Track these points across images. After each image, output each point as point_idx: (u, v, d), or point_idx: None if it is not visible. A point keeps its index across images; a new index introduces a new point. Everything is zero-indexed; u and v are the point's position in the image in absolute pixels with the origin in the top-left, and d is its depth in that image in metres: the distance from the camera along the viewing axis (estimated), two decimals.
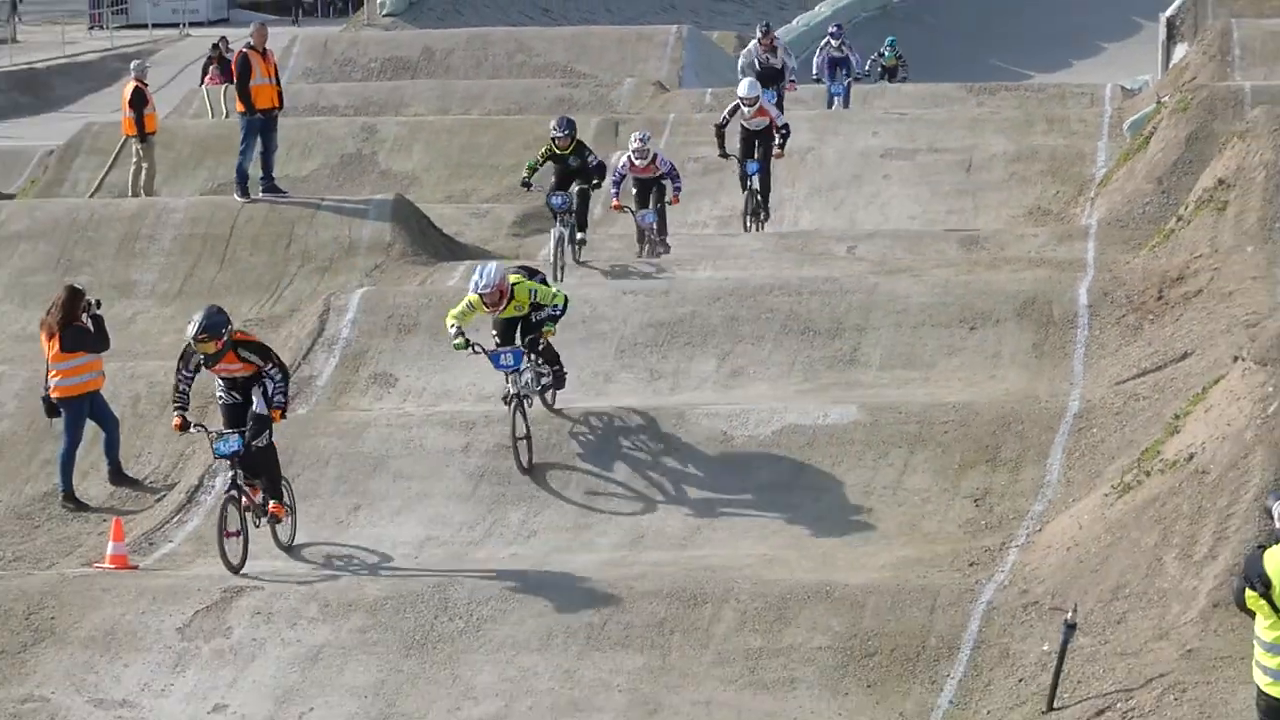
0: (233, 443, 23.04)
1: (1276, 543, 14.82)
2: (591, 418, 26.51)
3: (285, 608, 22.42)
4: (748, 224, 36.51)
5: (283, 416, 23.97)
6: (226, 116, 40.73)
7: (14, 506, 27.29)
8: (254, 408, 23.49)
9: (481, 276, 25.08)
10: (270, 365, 23.58)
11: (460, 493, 25.58)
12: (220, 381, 24.01)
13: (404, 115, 46.59)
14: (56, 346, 27.09)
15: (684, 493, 25.33)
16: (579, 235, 33.88)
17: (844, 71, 44.17)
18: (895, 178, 39.05)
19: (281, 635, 22.05)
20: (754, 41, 38.76)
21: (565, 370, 26.61)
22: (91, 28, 71.44)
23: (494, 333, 25.75)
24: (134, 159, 40.22)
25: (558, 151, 33.93)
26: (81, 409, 27.23)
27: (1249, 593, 14.74)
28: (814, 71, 45.88)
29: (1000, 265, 32.49)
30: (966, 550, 23.54)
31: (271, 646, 21.93)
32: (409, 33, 62.48)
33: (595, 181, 34.33)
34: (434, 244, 35.51)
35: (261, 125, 37.19)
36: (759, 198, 35.46)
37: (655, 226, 34.73)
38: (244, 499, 23.39)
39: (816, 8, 63.66)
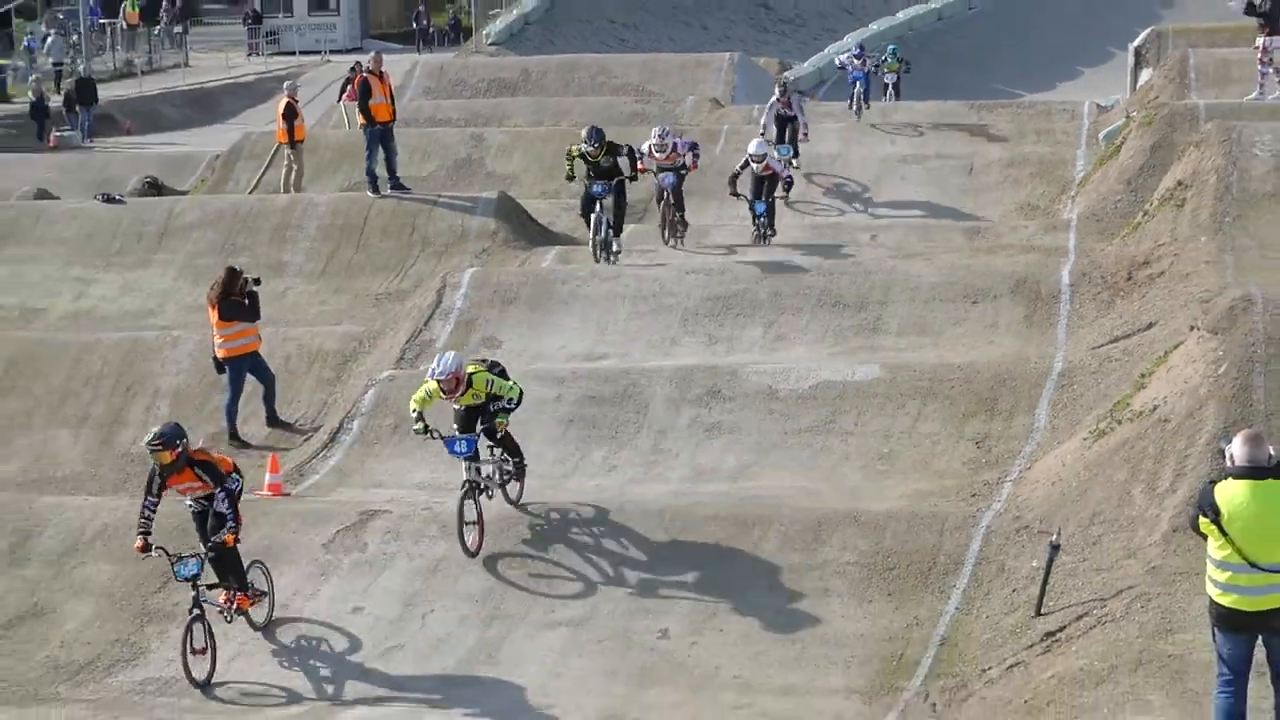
0: (191, 566, 20.19)
1: (1225, 478, 14.86)
2: (663, 373, 26.55)
3: (411, 528, 22.49)
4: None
5: (235, 540, 20.71)
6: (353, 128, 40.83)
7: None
8: (214, 506, 20.66)
9: (439, 364, 21.90)
10: (220, 490, 20.60)
11: (552, 435, 25.59)
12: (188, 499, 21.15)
13: (506, 127, 46.58)
14: (217, 316, 27.29)
15: (737, 436, 25.34)
16: (614, 242, 32.29)
17: (864, 82, 44.57)
18: (910, 179, 39.00)
19: (408, 550, 22.13)
20: (774, 97, 38.18)
21: (525, 462, 23.14)
22: (249, 55, 71.60)
23: (454, 421, 22.46)
24: (286, 162, 40.30)
25: (591, 160, 32.06)
26: (242, 366, 27.40)
27: (1202, 519, 14.79)
28: (836, 62, 46.34)
29: (997, 251, 32.47)
30: (969, 484, 23.56)
31: (400, 560, 22.02)
32: (510, 58, 62.40)
33: (632, 177, 32.66)
34: (531, 232, 35.46)
35: (381, 135, 37.39)
36: (766, 229, 34.36)
37: (675, 198, 33.90)
38: (205, 617, 20.32)
39: (845, 38, 63.17)
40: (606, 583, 21.33)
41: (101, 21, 71.60)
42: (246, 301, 27.44)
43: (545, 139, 42.43)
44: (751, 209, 33.97)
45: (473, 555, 21.71)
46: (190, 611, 20.26)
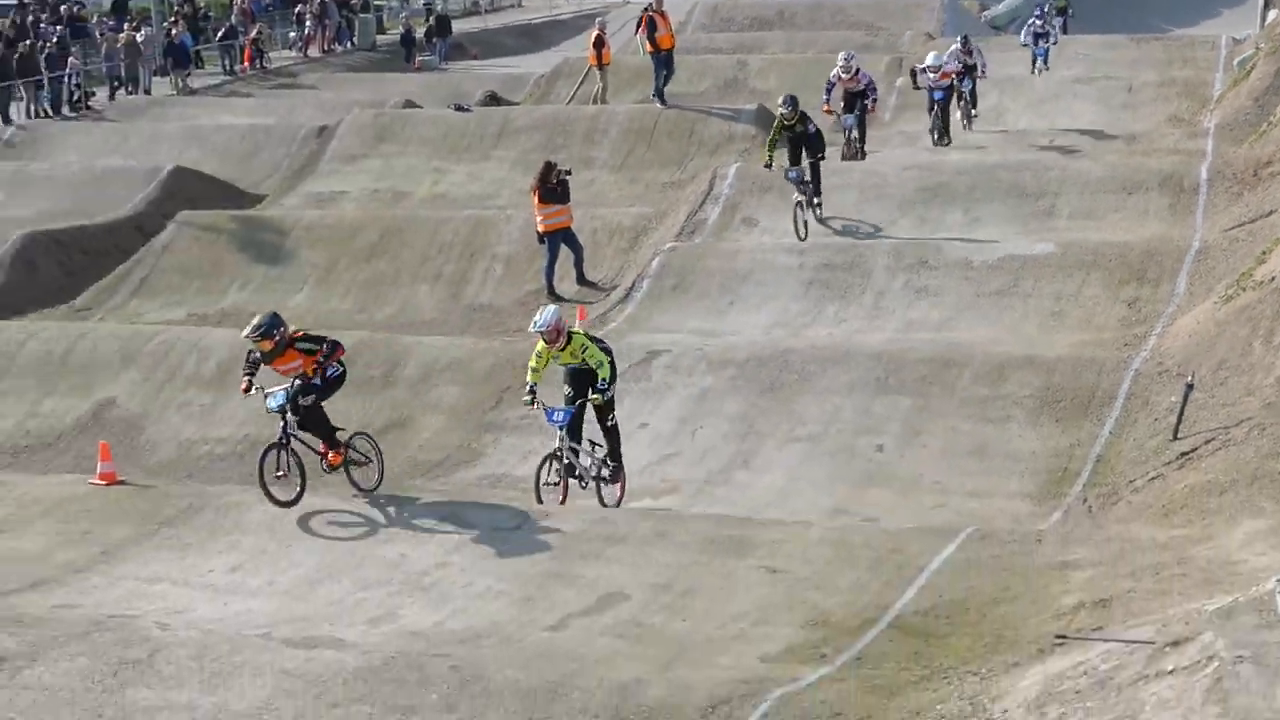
0: (279, 397, 17.80)
1: None
2: (883, 247, 26.43)
3: (685, 363, 22.56)
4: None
5: (324, 381, 18.14)
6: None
7: (518, 298, 27.71)
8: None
9: (540, 318, 18.41)
10: (322, 354, 18.15)
11: (796, 294, 25.58)
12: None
13: (764, 54, 46.33)
14: (538, 199, 27.49)
15: (940, 297, 25.18)
16: (816, 200, 28.18)
17: (1045, 40, 42.01)
18: (1082, 96, 38.32)
19: (682, 381, 22.22)
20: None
21: (624, 466, 19.16)
22: None
23: (563, 383, 18.82)
24: (596, 81, 40.47)
25: (787, 124, 27.54)
26: (557, 238, 27.57)
27: None
28: (1021, 40, 43.32)
29: (1150, 153, 31.85)
30: (1122, 336, 23.24)
31: (676, 388, 22.11)
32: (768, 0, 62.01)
33: (821, 154, 27.79)
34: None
35: (665, 59, 37.71)
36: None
37: (855, 131, 31.25)
38: (290, 447, 17.90)
39: None
40: (837, 409, 21.32)
41: None
42: (560, 188, 27.67)
43: (794, 64, 42.20)
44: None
45: (561, 503, 18.24)
46: (278, 438, 17.81)
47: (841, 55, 31.51)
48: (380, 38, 58.57)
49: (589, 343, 18.55)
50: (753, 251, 27.08)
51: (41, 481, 18.58)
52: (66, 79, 45.79)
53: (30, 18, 52.94)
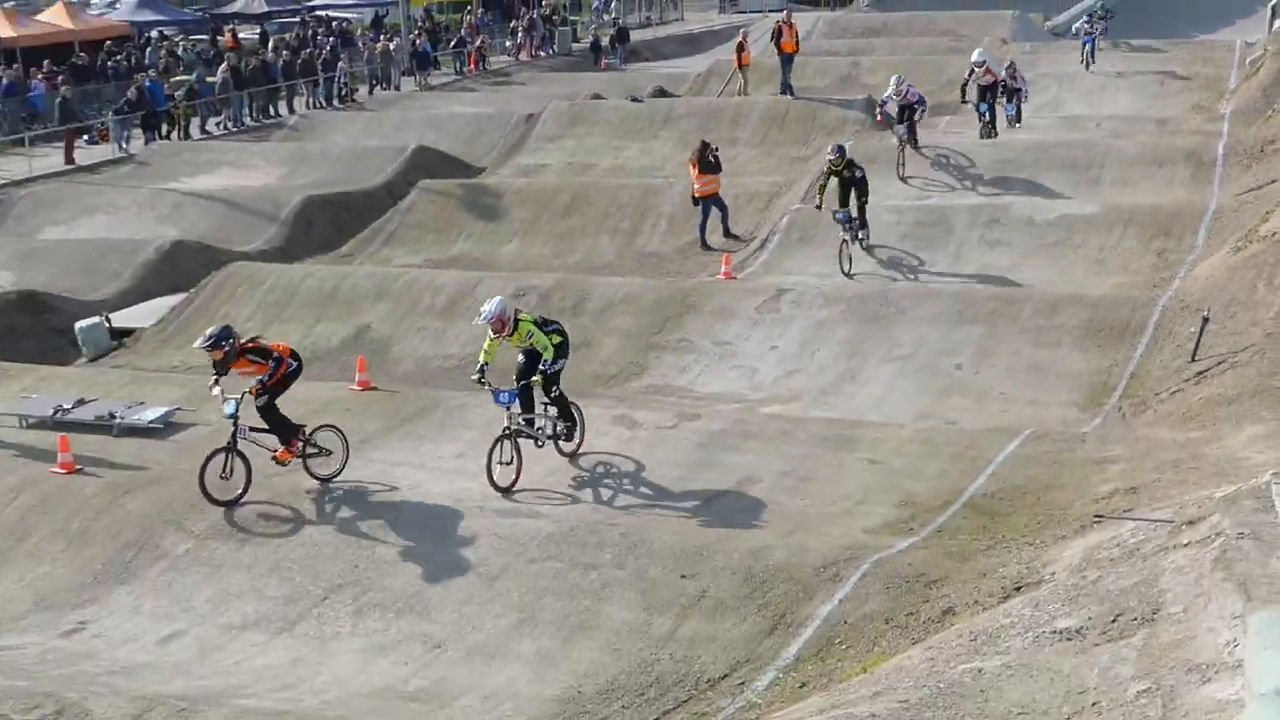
0: (230, 406, 15.35)
1: None
2: (962, 208, 25.98)
3: (806, 299, 22.29)
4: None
5: (264, 390, 15.63)
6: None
7: (678, 247, 27.57)
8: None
9: (486, 308, 16.00)
10: (269, 368, 15.72)
11: (896, 244, 25.15)
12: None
13: (872, 56, 45.66)
14: (695, 170, 27.27)
15: (1009, 247, 24.73)
16: (861, 235, 24.30)
17: (1092, 36, 40.69)
18: (1122, 88, 37.34)
19: (805, 313, 21.97)
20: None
21: (578, 422, 16.68)
22: (720, 12, 70.64)
23: (518, 360, 16.46)
24: (740, 78, 40.22)
25: (835, 169, 24.19)
26: (709, 201, 27.32)
27: None
28: (1072, 29, 42.03)
29: (1176, 134, 31.04)
30: (1152, 279, 22.78)
31: (799, 319, 21.88)
32: (875, 14, 60.96)
33: (865, 198, 24.38)
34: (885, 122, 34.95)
35: (789, 61, 37.48)
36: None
37: (908, 135, 28.58)
38: (236, 449, 15.45)
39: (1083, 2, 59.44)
40: (924, 335, 21.03)
41: None
42: (713, 161, 27.44)
43: (896, 64, 41.32)
44: (976, 109, 30.88)
45: (504, 491, 15.56)
46: (226, 443, 15.45)
47: (893, 78, 30.08)
48: (575, 45, 58.61)
49: (534, 329, 16.05)
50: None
51: (314, 387, 18.81)
52: (336, 78, 46.39)
53: (309, 31, 53.78)
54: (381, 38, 52.21)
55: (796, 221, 26.36)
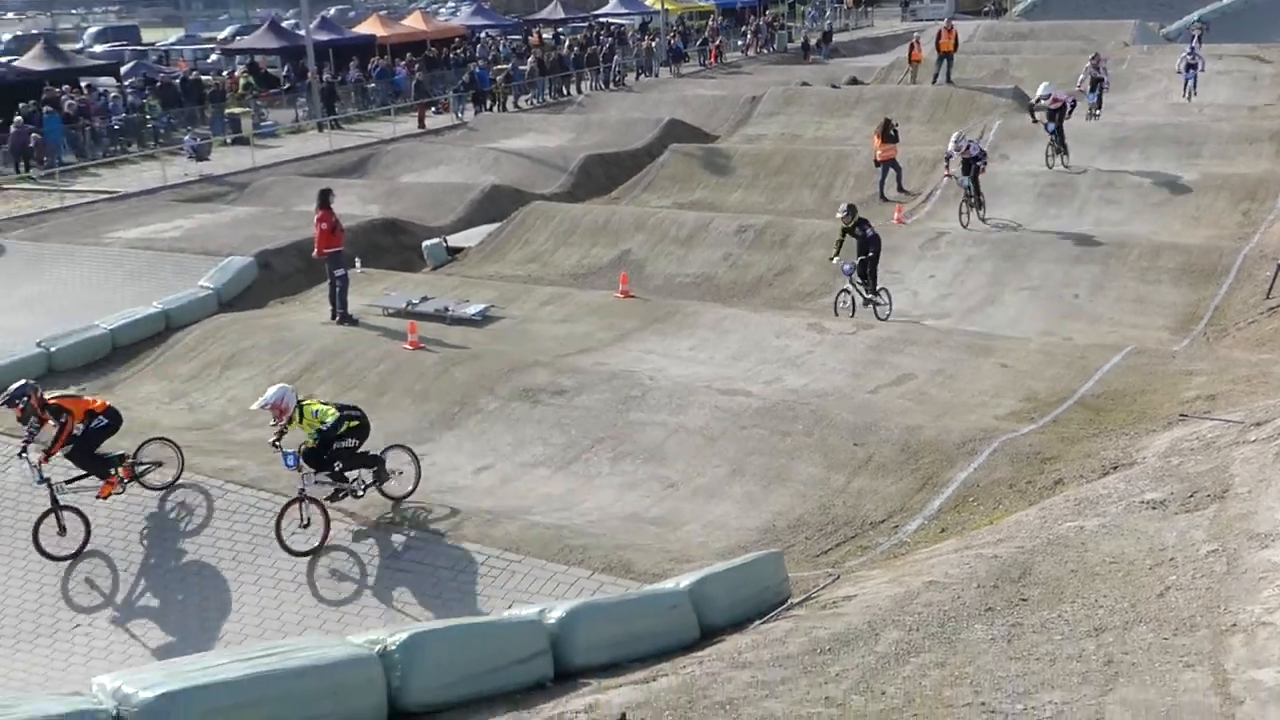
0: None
1: None
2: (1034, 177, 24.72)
3: (959, 240, 21.59)
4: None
5: (86, 433, 12.46)
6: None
7: (862, 199, 26.26)
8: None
9: (265, 395, 12.06)
10: (59, 420, 12.28)
11: (1029, 201, 24.09)
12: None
13: (1019, 55, 43.54)
14: (880, 141, 26.16)
15: (1121, 206, 23.53)
16: (866, 294, 18.35)
17: (1194, 69, 36.05)
18: (1221, 82, 34.87)
19: (957, 250, 21.26)
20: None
21: (372, 480, 12.24)
22: (902, 20, 67.88)
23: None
24: (910, 72, 38.89)
25: (844, 228, 18.37)
26: (888, 165, 26.23)
27: None
28: (1175, 68, 35.39)
29: (1264, 118, 28.97)
30: (1237, 233, 21.43)
31: (953, 255, 21.23)
32: (1022, 23, 58.01)
33: (871, 253, 18.36)
34: (1025, 106, 33.25)
35: (949, 59, 35.98)
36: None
37: (972, 187, 22.18)
38: (59, 510, 12.44)
39: (1194, 13, 55.34)
40: (1050, 271, 20.21)
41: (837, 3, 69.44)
42: (893, 133, 26.57)
43: (1040, 61, 39.57)
44: (1047, 128, 25.58)
45: (299, 555, 11.67)
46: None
47: (954, 136, 23.33)
48: (790, 44, 57.45)
49: (323, 406, 12.16)
50: (1006, 175, 25.45)
51: (589, 294, 19.01)
52: (612, 68, 46.43)
53: (594, 32, 53.99)
54: (646, 37, 52.19)
55: (952, 185, 25.47)
